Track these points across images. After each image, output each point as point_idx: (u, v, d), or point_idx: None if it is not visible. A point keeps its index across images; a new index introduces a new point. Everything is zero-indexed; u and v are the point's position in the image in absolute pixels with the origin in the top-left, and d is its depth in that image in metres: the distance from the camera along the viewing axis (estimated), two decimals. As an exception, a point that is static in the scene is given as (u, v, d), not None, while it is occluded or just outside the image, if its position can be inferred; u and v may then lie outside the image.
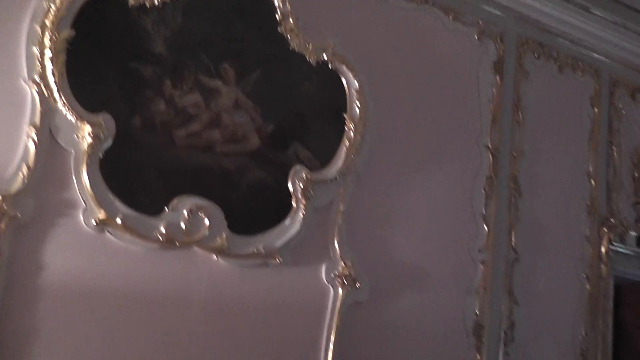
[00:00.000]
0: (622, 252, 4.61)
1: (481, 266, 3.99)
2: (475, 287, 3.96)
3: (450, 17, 4.13)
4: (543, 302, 4.24)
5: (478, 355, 3.91)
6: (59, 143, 2.94)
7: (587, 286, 4.43)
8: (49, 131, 2.91)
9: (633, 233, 4.69)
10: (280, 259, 3.33)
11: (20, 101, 2.91)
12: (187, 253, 3.17)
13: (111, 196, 2.99)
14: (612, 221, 4.54)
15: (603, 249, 4.50)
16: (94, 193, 2.95)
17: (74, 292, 2.94)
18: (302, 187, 3.40)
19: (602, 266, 4.50)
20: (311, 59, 3.55)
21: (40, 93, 2.90)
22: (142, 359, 3.04)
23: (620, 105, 4.78)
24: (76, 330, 2.93)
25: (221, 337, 3.23)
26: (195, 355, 3.16)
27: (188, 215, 3.14)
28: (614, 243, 4.54)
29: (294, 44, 3.51)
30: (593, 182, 4.55)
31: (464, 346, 3.89)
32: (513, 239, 4.15)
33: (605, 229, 4.50)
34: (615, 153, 4.69)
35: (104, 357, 2.97)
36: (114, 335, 3.00)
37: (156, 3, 3.19)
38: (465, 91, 4.13)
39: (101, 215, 2.96)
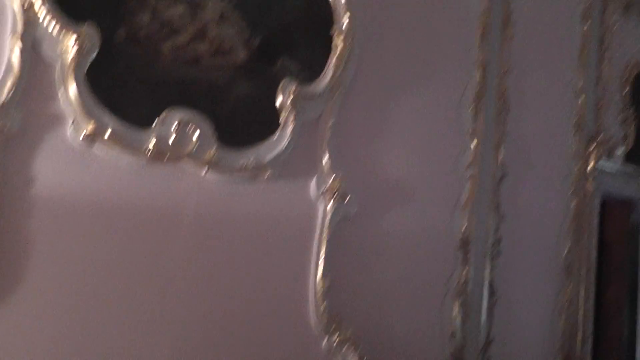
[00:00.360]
0: (608, 169, 4.65)
1: (468, 182, 4.02)
2: (462, 203, 3.99)
3: None
4: (529, 218, 4.30)
5: (465, 270, 3.98)
6: (43, 54, 2.89)
7: (573, 202, 4.49)
8: (32, 41, 2.86)
9: (620, 150, 4.71)
10: (270, 174, 3.34)
11: (1, 11, 2.85)
12: (176, 167, 3.17)
13: (98, 109, 2.96)
14: (600, 138, 4.56)
15: (590, 166, 4.53)
16: (81, 106, 2.91)
17: (65, 205, 2.95)
18: (290, 101, 3.37)
19: (589, 183, 4.54)
20: (299, -31, 3.48)
21: (21, 2, 2.83)
22: (131, 272, 3.08)
23: (613, 20, 4.74)
24: (68, 244, 2.95)
25: (210, 251, 3.26)
26: (184, 269, 3.19)
27: (177, 128, 3.12)
28: (601, 160, 4.57)
29: (281, -48, 3.44)
30: (582, 99, 4.54)
31: (451, 260, 3.95)
32: (500, 155, 4.16)
33: (593, 146, 4.53)
34: (605, 69, 4.67)
35: (95, 269, 3.01)
36: (104, 248, 3.03)
37: None
38: (454, 5, 4.06)
39: (89, 128, 2.93)
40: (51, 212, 2.93)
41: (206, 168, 3.20)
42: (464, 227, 3.99)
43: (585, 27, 4.59)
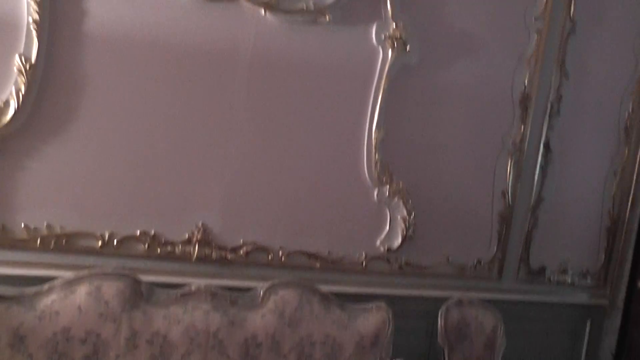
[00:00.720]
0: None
1: (535, 35, 3.80)
2: (526, 57, 3.80)
3: None
4: (594, 77, 4.09)
5: (522, 127, 3.85)
6: None
7: (642, 62, 4.26)
8: None
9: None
10: (330, 17, 3.18)
11: None
12: (234, 6, 3.04)
13: (152, -61, 2.79)
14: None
15: (665, 23, 4.23)
16: None
17: (118, 41, 2.89)
18: (354, -59, 3.15)
19: (660, 40, 4.27)
20: None
21: None
22: (184, 110, 3.04)
23: None
24: (121, 79, 2.92)
25: (266, 93, 3.19)
26: (238, 110, 3.14)
27: (235, -36, 2.94)
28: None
29: None
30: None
31: (509, 116, 3.82)
32: (572, 7, 3.89)
33: (671, 1, 4.21)
34: None
35: (148, 105, 2.98)
36: (157, 84, 2.98)
37: None
38: None
39: (144, -41, 2.78)
40: (105, 47, 2.87)
41: (265, 8, 3.04)
42: (525, 83, 3.82)
43: None
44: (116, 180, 2.96)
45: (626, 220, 4.38)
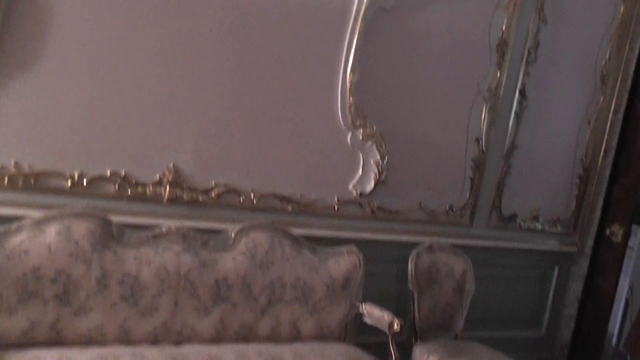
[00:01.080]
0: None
1: (514, -21, 3.76)
2: (504, 2, 3.76)
3: None
4: (572, 23, 4.08)
5: (498, 73, 3.84)
6: None
7: (621, 8, 4.22)
8: None
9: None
10: (306, -43, 3.10)
11: None
12: (207, -56, 2.94)
13: None
14: None
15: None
16: None
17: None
18: None
19: (641, -14, 4.25)
20: None
21: None
22: (156, 50, 2.96)
23: None
24: (91, 13, 2.82)
25: (240, 33, 3.12)
26: (211, 51, 3.07)
27: None
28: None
29: None
30: None
31: (486, 62, 3.81)
32: (551, -48, 3.86)
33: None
34: None
35: (119, 41, 2.89)
36: (129, 22, 2.89)
37: None
38: None
39: None
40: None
41: (239, -54, 2.96)
42: (503, 29, 3.79)
43: None
44: (86, 118, 2.89)
45: (598, 168, 4.42)
